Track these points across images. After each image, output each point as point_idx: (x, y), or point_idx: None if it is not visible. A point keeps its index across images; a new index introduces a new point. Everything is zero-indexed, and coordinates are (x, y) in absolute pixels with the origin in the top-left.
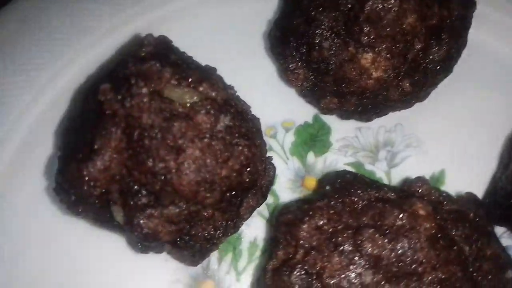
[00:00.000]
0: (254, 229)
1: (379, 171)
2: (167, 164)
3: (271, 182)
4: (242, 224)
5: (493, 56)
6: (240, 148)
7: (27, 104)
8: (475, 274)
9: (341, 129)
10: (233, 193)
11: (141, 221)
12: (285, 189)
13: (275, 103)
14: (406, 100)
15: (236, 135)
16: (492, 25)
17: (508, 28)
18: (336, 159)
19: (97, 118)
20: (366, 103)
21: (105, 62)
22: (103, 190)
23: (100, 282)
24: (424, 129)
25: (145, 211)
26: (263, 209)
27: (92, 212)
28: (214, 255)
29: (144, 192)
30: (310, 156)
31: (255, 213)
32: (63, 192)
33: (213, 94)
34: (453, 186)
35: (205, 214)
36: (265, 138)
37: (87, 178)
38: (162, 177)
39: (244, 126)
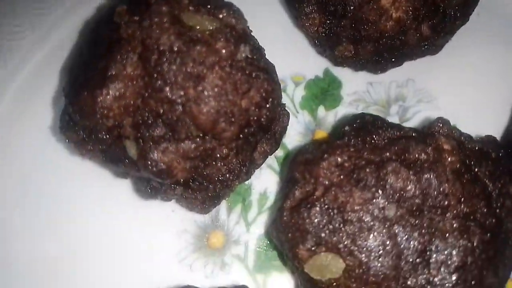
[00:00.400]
0: (264, 181)
1: None
2: (186, 91)
3: (284, 129)
4: (254, 172)
5: (507, 10)
6: (260, 80)
7: (32, 44)
8: (498, 210)
9: (352, 83)
10: (251, 130)
11: (156, 156)
12: (295, 142)
13: (284, 57)
14: (423, 46)
15: (256, 67)
16: None
17: None
18: (347, 113)
19: (110, 45)
20: (382, 50)
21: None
22: (116, 123)
23: (106, 232)
24: (436, 85)
25: (160, 145)
26: (273, 162)
27: (101, 149)
28: (223, 206)
29: (159, 123)
30: (321, 110)
31: (264, 165)
32: (70, 130)
33: (233, 21)
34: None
35: (220, 153)
36: None
37: (100, 105)
38: (180, 106)
39: (263, 61)
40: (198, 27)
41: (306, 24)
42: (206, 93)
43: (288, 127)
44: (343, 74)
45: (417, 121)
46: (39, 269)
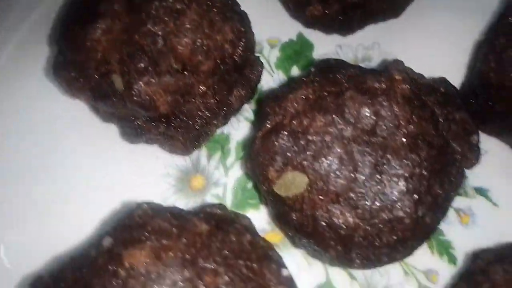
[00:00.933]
0: (242, 131)
1: None
2: (166, 25)
3: (258, 77)
4: (231, 117)
5: None
6: (235, 21)
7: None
8: (444, 133)
9: (323, 46)
10: (226, 67)
11: (140, 87)
12: None
13: (261, 22)
14: (385, 7)
15: (232, 10)
16: None
17: None
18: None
19: None
20: (347, 9)
21: None
22: (104, 58)
23: (94, 175)
24: (399, 47)
25: (143, 78)
26: (250, 114)
27: (91, 87)
28: (203, 154)
29: (143, 56)
30: (294, 70)
31: (242, 117)
32: (62, 68)
33: None
34: None
35: (199, 90)
36: None
37: (90, 38)
38: (161, 39)
39: (238, 8)
40: None
41: None
42: (184, 26)
43: (264, 84)
44: (315, 37)
45: None
46: (29, 212)
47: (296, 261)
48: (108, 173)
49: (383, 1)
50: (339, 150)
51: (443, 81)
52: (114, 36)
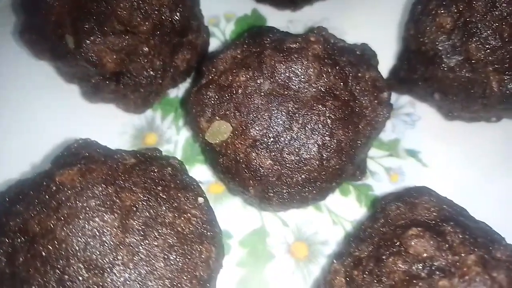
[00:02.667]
0: None
1: None
2: None
3: (204, 44)
4: (181, 80)
5: None
6: None
7: None
8: (352, 88)
9: (275, 21)
10: (165, 30)
11: (88, 45)
12: None
13: None
14: None
15: None
16: None
17: None
18: None
19: None
20: None
21: None
22: (58, 21)
23: (55, 132)
24: (346, 23)
25: (91, 37)
26: None
27: (50, 48)
28: (158, 115)
29: (91, 18)
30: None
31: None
32: (25, 31)
33: None
34: None
35: (142, 50)
36: (208, 26)
37: (45, 3)
38: (103, 1)
39: None
40: None
41: None
42: None
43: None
44: (268, 12)
45: None
46: None
47: (235, 209)
48: (69, 127)
49: None
50: (257, 101)
51: (363, 46)
52: (65, 1)
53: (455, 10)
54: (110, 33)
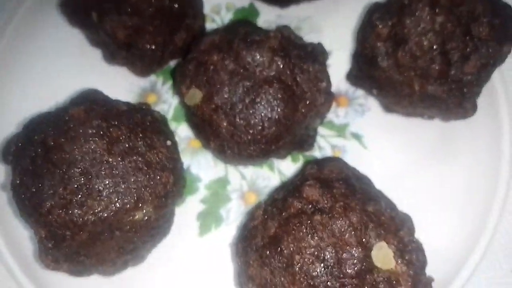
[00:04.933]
0: None
1: None
2: None
3: (200, 27)
4: (177, 57)
5: None
6: None
7: None
8: (297, 77)
9: (267, 14)
10: (165, 15)
11: (107, 21)
12: None
13: None
14: None
15: None
16: None
17: None
18: None
19: None
20: None
21: None
22: (87, 2)
23: (79, 83)
24: (325, 21)
25: (109, 15)
26: None
27: (80, 19)
28: (159, 79)
29: (110, 1)
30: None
31: None
32: (65, 6)
33: None
34: (337, 62)
35: (147, 28)
36: (209, 13)
37: None
38: None
39: None
40: None
41: None
42: None
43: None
44: (262, 7)
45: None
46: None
47: (207, 160)
48: (91, 80)
49: None
50: (223, 77)
51: (315, 44)
52: None
53: (390, 24)
54: (123, 14)
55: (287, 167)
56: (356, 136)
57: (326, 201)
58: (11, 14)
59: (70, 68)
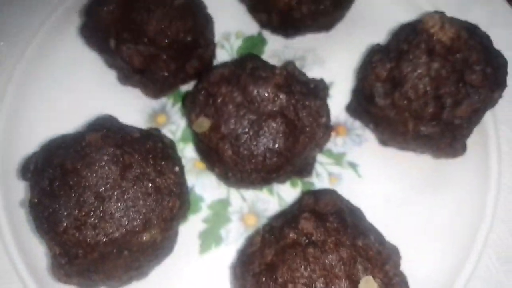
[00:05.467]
0: None
1: None
2: (142, 16)
3: (210, 57)
4: (188, 81)
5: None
6: (187, 19)
7: None
8: (299, 112)
9: (274, 44)
10: (179, 46)
11: (124, 48)
12: None
13: (234, 18)
14: (308, 23)
15: (186, 12)
16: None
17: None
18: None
19: None
20: (284, 20)
21: None
22: (106, 28)
23: (94, 103)
24: (328, 53)
25: (126, 44)
26: None
27: (98, 43)
28: (170, 101)
29: (128, 32)
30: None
31: None
32: (86, 29)
33: None
34: (338, 93)
35: (161, 57)
36: (220, 39)
37: (99, 14)
38: (139, 23)
39: (193, 10)
40: None
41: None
42: (154, 18)
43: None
44: (270, 36)
45: (308, 75)
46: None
47: (211, 182)
48: (105, 100)
49: (303, 15)
50: (230, 109)
51: (318, 81)
52: (113, 16)
53: (388, 67)
54: (140, 43)
55: (286, 191)
56: (352, 165)
57: (319, 235)
58: (33, 33)
59: (86, 87)
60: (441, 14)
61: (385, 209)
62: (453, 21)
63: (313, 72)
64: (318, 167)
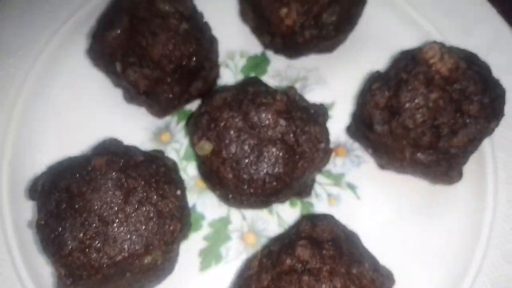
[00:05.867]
0: None
1: None
2: (148, 40)
3: (213, 79)
4: (192, 101)
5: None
6: (192, 44)
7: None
8: (299, 137)
9: (277, 63)
10: (183, 70)
11: (130, 72)
12: None
13: (239, 39)
14: (311, 46)
15: (191, 36)
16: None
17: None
18: (267, 81)
19: (116, 9)
20: (287, 43)
21: None
22: (112, 51)
23: (101, 123)
24: (330, 74)
25: (132, 68)
26: None
27: (105, 65)
28: (174, 120)
29: (133, 55)
30: (252, 75)
31: None
32: (92, 51)
33: (181, 10)
34: (339, 114)
35: (166, 80)
36: (224, 58)
37: (106, 39)
38: (145, 47)
39: (198, 34)
40: (161, 8)
41: (244, 18)
42: (159, 42)
43: (228, 82)
44: (273, 56)
45: (310, 96)
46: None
47: (212, 200)
48: (111, 118)
49: (305, 40)
50: (232, 133)
51: (318, 106)
52: (119, 40)
53: (387, 95)
54: (145, 67)
55: (285, 211)
56: (351, 186)
57: (315, 263)
58: (40, 52)
59: (93, 106)
60: (441, 44)
61: (382, 232)
62: (453, 51)
63: (315, 92)
64: (317, 188)
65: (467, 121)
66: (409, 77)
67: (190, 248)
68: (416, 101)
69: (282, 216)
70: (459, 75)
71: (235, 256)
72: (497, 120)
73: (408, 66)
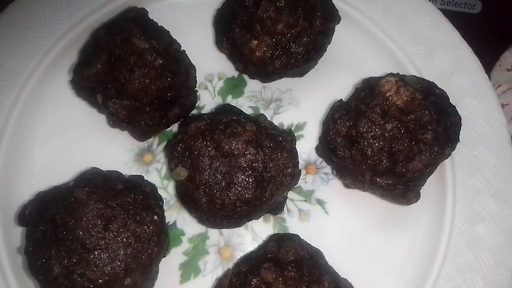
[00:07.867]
0: None
1: (268, 115)
2: (125, 76)
3: (191, 104)
4: (171, 125)
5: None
6: (167, 77)
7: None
8: (267, 163)
9: (253, 85)
10: (160, 101)
11: (110, 104)
12: None
13: (216, 62)
14: (282, 73)
15: (166, 70)
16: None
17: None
18: (244, 102)
19: (94, 47)
20: (259, 70)
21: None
22: (93, 85)
23: (85, 144)
24: (303, 95)
25: (112, 99)
26: None
27: (87, 97)
28: (155, 141)
29: (112, 89)
30: (229, 98)
31: None
32: (75, 84)
33: (156, 45)
34: (310, 133)
35: (144, 109)
36: (203, 81)
37: (86, 74)
38: (123, 82)
39: (173, 67)
40: (137, 45)
41: (219, 47)
42: (135, 77)
43: (206, 104)
44: (249, 79)
45: (284, 116)
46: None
47: (191, 218)
48: (96, 143)
49: (276, 69)
50: (205, 161)
51: (285, 132)
52: (99, 76)
53: (348, 125)
54: (124, 99)
55: (259, 226)
56: (320, 202)
57: (277, 284)
58: (25, 81)
59: (79, 131)
60: (398, 77)
61: (348, 245)
62: (410, 82)
63: (288, 112)
64: (289, 204)
65: (422, 148)
66: (367, 109)
67: (171, 262)
68: (373, 131)
69: (256, 231)
70: (415, 106)
71: (211, 269)
72: (451, 147)
73: (367, 98)
